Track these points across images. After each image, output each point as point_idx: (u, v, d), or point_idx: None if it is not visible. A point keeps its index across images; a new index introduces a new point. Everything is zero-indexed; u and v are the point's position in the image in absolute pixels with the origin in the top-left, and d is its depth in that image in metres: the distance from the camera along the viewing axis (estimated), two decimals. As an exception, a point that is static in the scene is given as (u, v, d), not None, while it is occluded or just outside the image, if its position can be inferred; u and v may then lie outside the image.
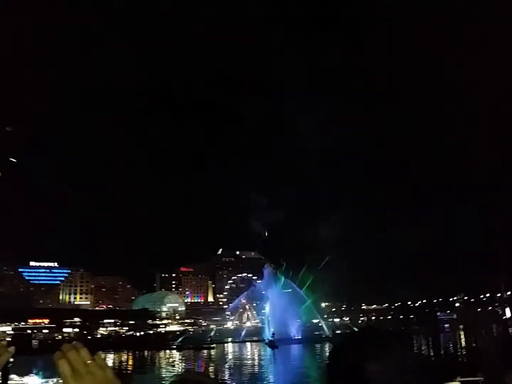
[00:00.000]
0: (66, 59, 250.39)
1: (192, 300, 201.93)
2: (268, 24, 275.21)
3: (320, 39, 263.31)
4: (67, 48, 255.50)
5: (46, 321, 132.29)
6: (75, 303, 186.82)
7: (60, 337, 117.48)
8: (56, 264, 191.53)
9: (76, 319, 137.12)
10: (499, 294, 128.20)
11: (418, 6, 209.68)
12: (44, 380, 28.25)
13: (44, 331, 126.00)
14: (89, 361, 1.18)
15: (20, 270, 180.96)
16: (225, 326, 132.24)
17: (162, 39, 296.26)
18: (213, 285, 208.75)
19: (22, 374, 28.98)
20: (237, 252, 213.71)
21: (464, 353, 53.45)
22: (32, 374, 30.42)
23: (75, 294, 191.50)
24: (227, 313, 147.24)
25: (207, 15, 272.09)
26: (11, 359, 1.27)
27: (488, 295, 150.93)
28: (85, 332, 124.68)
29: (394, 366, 1.31)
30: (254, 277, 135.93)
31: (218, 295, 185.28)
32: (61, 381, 1.18)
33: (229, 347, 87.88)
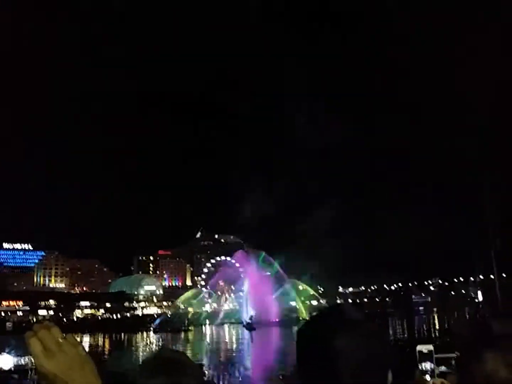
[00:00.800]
0: (65, 58, 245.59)
1: (170, 283, 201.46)
2: (268, 23, 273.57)
3: (321, 38, 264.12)
4: (67, 47, 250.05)
5: (20, 303, 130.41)
6: (50, 285, 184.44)
7: (35, 319, 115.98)
8: (30, 247, 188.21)
9: (51, 302, 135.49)
10: (472, 278, 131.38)
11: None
12: (16, 358, 27.65)
13: (19, 313, 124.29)
14: (60, 339, 1.18)
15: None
16: (203, 308, 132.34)
17: (162, 39, 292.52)
18: (191, 269, 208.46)
19: None
20: (216, 236, 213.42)
21: (437, 334, 54.44)
22: (4, 353, 29.74)
23: (49, 276, 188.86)
24: (205, 295, 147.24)
25: (205, 14, 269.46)
26: None
27: (461, 279, 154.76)
28: (60, 314, 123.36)
29: (361, 341, 1.33)
30: (232, 261, 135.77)
31: (196, 278, 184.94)
32: (33, 359, 1.16)
33: (207, 330, 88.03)
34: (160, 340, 68.61)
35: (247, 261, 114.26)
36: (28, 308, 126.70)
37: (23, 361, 26.11)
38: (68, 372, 1.15)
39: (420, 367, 3.65)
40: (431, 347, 3.83)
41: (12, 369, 26.09)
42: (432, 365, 3.68)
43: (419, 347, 3.80)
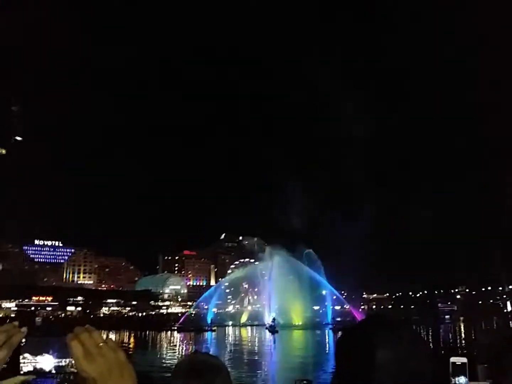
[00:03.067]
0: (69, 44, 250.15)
1: (195, 283, 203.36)
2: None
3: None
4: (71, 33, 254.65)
5: (50, 298, 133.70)
6: (79, 282, 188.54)
7: (63, 315, 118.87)
8: (60, 243, 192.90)
9: (79, 298, 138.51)
10: (500, 288, 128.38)
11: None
12: (57, 360, 28.59)
13: (48, 308, 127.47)
14: (101, 343, 1.19)
15: (24, 248, 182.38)
16: (226, 309, 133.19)
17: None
18: (215, 269, 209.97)
19: (35, 353, 29.33)
20: (240, 238, 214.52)
21: (463, 344, 53.57)
22: (45, 354, 30.78)
23: (78, 273, 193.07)
24: (228, 297, 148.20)
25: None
26: (23, 340, 1.34)
27: (489, 288, 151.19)
28: (87, 311, 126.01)
29: (404, 353, 1.29)
30: (256, 263, 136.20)
31: (220, 279, 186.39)
32: (74, 362, 1.18)
33: (230, 331, 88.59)
34: (184, 339, 69.49)
35: (271, 263, 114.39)
36: (57, 304, 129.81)
37: (64, 362, 26.99)
38: (107, 376, 1.16)
39: (453, 381, 3.61)
40: (465, 359, 3.81)
41: (53, 370, 27.02)
42: (466, 379, 3.65)
43: (452, 359, 3.76)
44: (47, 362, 28.66)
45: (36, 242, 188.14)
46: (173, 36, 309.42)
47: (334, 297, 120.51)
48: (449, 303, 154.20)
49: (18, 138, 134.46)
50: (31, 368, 27.16)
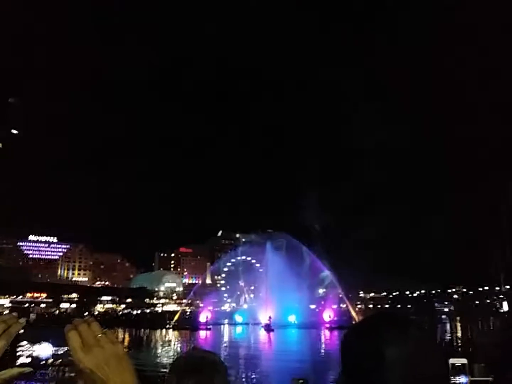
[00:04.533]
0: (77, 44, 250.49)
1: (190, 281, 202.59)
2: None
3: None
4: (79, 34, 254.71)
5: (44, 295, 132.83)
6: (73, 279, 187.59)
7: (57, 311, 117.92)
8: (55, 239, 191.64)
9: (74, 295, 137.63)
10: (497, 288, 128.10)
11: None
12: (55, 348, 28.13)
13: (42, 305, 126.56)
14: (99, 335, 1.18)
15: (19, 244, 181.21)
16: (222, 308, 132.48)
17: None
18: (212, 267, 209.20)
19: (32, 342, 28.83)
20: (237, 235, 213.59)
21: (459, 344, 53.03)
22: (43, 342, 30.30)
23: (73, 270, 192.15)
24: (224, 295, 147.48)
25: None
26: (21, 330, 1.25)
27: (486, 288, 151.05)
28: (82, 308, 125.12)
29: (412, 351, 1.24)
30: (253, 261, 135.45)
31: (216, 277, 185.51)
32: (71, 353, 1.17)
33: (226, 329, 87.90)
34: (179, 337, 68.79)
35: (269, 261, 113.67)
36: (51, 300, 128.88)
37: (61, 351, 26.65)
38: (104, 368, 1.14)
39: (453, 380, 3.28)
40: (465, 360, 3.42)
41: (51, 358, 26.73)
42: (467, 379, 3.29)
43: (452, 360, 3.38)
44: (44, 350, 28.21)
45: (31, 237, 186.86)
46: (174, 47, 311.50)
47: (331, 296, 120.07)
48: (446, 303, 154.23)
49: (15, 132, 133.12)
50: (29, 356, 26.89)
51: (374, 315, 1.43)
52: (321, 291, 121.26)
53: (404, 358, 1.23)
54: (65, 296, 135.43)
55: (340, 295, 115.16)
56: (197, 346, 51.62)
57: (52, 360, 26.64)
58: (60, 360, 25.68)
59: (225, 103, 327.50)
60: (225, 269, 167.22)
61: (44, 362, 26.42)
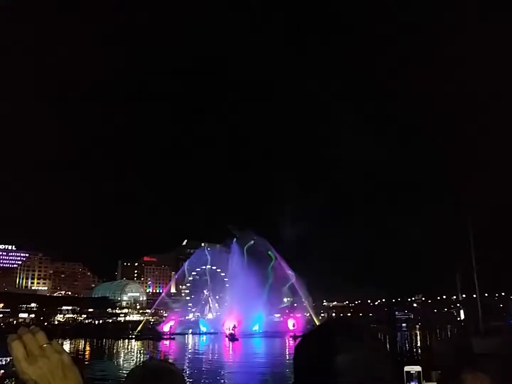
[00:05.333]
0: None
1: (154, 290, 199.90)
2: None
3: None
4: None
5: (1, 305, 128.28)
6: (33, 288, 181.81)
7: (15, 322, 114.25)
8: (13, 247, 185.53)
9: (33, 305, 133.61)
10: (454, 297, 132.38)
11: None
12: None
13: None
14: (44, 345, 1.14)
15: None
16: (186, 317, 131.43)
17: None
18: (176, 276, 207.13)
19: None
20: (202, 244, 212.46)
21: (419, 351, 54.82)
22: None
23: (32, 279, 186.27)
24: (189, 304, 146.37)
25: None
26: None
27: (444, 297, 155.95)
28: (41, 318, 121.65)
29: (364, 357, 1.25)
30: (218, 270, 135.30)
31: (181, 286, 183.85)
32: (15, 364, 1.12)
33: (190, 339, 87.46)
34: (142, 347, 68.08)
35: (233, 270, 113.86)
36: (9, 310, 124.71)
37: (3, 361, 25.88)
38: (49, 379, 1.11)
39: None
40: (419, 368, 3.88)
41: None
42: None
43: (406, 368, 3.83)
44: None
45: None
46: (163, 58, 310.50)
47: (295, 304, 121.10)
48: (406, 311, 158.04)
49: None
50: None
51: (326, 322, 1.44)
52: (285, 299, 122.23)
53: (355, 365, 1.23)
54: (24, 305, 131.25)
55: (304, 304, 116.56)
56: (153, 356, 51.16)
57: None
58: (3, 372, 24.96)
59: (201, 114, 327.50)
60: (190, 278, 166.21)
61: None
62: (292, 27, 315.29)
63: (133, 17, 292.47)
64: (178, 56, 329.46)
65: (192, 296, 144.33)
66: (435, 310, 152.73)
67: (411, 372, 3.88)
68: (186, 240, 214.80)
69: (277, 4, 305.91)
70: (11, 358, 1.12)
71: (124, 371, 36.45)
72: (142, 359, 46.37)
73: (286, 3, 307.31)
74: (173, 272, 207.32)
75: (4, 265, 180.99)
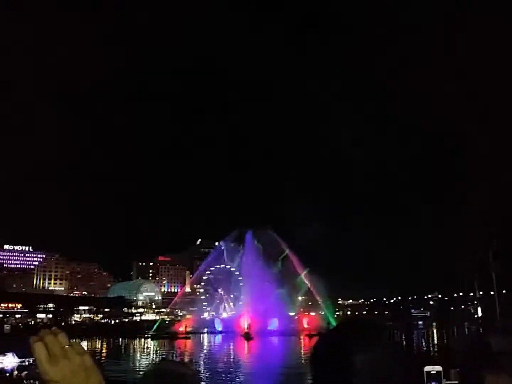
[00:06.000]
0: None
1: (169, 290, 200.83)
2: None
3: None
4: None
5: (19, 305, 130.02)
6: (49, 288, 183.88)
7: (33, 322, 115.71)
8: (31, 248, 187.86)
9: (50, 305, 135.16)
10: (471, 294, 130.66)
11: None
12: (20, 359, 27.51)
13: (17, 315, 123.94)
14: (66, 346, 1.15)
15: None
16: (201, 316, 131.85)
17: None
18: (191, 275, 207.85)
19: None
20: (216, 243, 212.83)
21: (435, 349, 54.28)
22: (7, 354, 29.61)
23: (49, 279, 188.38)
24: (204, 303, 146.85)
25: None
26: None
27: (461, 294, 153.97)
28: (59, 318, 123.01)
29: (382, 357, 1.27)
30: (232, 269, 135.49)
31: (195, 286, 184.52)
32: (37, 365, 1.14)
33: (205, 338, 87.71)
34: (158, 346, 68.42)
35: (247, 269, 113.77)
36: (27, 311, 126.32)
37: (27, 362, 26.09)
38: (71, 380, 1.13)
39: None
40: (439, 368, 3.79)
41: (16, 369, 25.99)
42: None
43: (427, 368, 3.74)
44: (9, 362, 27.50)
45: (5, 246, 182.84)
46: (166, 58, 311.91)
47: (310, 303, 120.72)
48: (422, 309, 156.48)
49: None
50: None
51: (343, 322, 1.47)
52: (300, 298, 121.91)
53: (372, 365, 1.25)
54: (41, 306, 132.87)
55: (319, 302, 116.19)
56: (167, 357, 51.19)
57: (17, 372, 25.86)
58: (26, 372, 24.70)
59: (203, 114, 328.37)
60: (204, 277, 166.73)
61: (8, 374, 25.67)
62: (292, 27, 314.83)
63: (133, 17, 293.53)
64: (178, 56, 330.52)
65: (207, 295, 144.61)
66: (452, 308, 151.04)
67: (431, 372, 3.79)
68: (200, 240, 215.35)
69: (277, 4, 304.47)
70: (34, 359, 1.13)
71: (140, 370, 36.64)
72: (155, 360, 46.63)
73: (286, 3, 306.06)
74: (187, 272, 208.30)
75: (21, 266, 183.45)
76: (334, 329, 1.46)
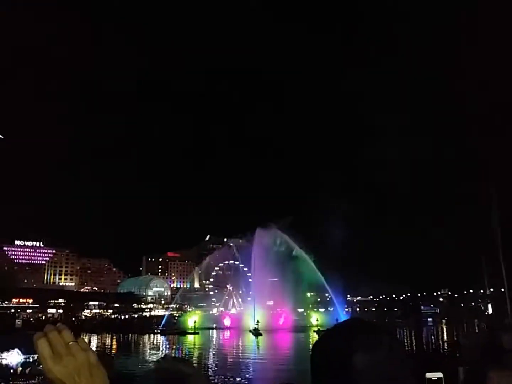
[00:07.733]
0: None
1: (182, 285, 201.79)
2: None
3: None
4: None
5: (30, 301, 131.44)
6: (60, 284, 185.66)
7: (43, 317, 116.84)
8: (41, 244, 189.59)
9: (61, 300, 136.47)
10: (482, 290, 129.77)
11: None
12: (25, 356, 27.60)
13: (28, 311, 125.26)
14: (71, 343, 1.13)
15: (4, 248, 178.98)
16: (210, 312, 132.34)
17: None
18: (200, 271, 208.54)
19: (1, 350, 28.30)
20: (225, 239, 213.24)
21: (446, 347, 53.85)
22: (12, 351, 29.73)
23: (60, 275, 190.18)
24: (212, 299, 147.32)
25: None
26: None
27: (471, 291, 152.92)
28: (69, 313, 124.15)
29: (383, 358, 1.25)
30: (241, 265, 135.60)
31: (204, 281, 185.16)
32: (41, 362, 1.12)
33: (214, 334, 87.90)
34: (167, 342, 68.68)
35: (256, 264, 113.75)
36: (38, 306, 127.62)
37: (31, 359, 26.15)
38: (75, 377, 1.10)
39: None
40: (440, 374, 3.73)
41: (20, 366, 26.06)
42: None
43: (428, 375, 3.67)
44: (13, 358, 27.61)
45: (16, 242, 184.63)
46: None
47: (319, 299, 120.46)
48: (431, 305, 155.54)
49: (1, 136, 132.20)
50: None
51: (345, 321, 1.43)
52: (309, 294, 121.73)
53: (372, 365, 1.23)
54: (52, 301, 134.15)
55: (328, 299, 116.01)
56: (168, 354, 51.37)
57: (21, 369, 25.84)
58: (29, 369, 24.54)
59: (219, 109, 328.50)
60: (213, 273, 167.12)
61: (13, 371, 25.68)
62: (313, 27, 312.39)
63: (159, 16, 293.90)
64: (204, 57, 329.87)
65: (216, 291, 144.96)
66: (462, 305, 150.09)
67: (433, 378, 3.72)
68: (208, 236, 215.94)
69: (297, 4, 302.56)
70: (38, 356, 1.11)
71: (150, 366, 36.74)
72: (158, 358, 46.72)
73: (304, 3, 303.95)
74: (196, 267, 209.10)
75: (32, 261, 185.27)
76: (336, 326, 1.42)
